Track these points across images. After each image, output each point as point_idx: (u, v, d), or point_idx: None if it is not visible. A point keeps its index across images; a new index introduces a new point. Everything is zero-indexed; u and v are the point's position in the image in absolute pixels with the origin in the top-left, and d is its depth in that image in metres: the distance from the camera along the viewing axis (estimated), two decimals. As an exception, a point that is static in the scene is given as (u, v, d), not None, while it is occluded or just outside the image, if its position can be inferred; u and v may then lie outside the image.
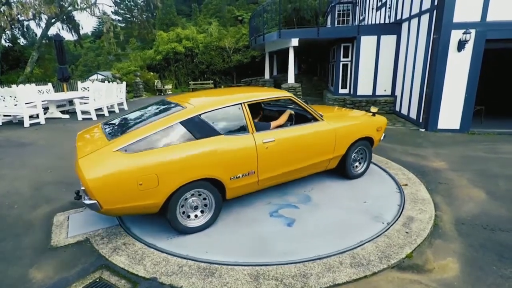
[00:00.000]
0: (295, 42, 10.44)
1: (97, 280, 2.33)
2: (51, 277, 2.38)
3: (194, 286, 2.24)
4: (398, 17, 9.49)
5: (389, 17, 10.29)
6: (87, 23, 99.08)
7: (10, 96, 7.95)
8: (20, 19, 17.60)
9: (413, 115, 8.26)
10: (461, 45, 6.67)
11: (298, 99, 3.57)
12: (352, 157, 4.03)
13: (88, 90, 10.21)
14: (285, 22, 18.59)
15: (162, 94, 17.88)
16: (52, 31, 22.13)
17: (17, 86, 9.74)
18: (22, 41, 23.35)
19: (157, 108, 3.35)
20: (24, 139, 6.70)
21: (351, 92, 10.55)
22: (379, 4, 11.69)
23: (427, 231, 2.93)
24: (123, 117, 3.44)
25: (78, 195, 3.18)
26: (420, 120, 7.66)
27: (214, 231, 2.96)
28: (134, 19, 24.29)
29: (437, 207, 3.47)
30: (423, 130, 7.39)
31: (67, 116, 9.43)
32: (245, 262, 2.49)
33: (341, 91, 11.08)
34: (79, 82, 12.34)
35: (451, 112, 7.13)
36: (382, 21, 11.11)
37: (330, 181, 4.09)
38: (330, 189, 3.88)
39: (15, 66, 20.27)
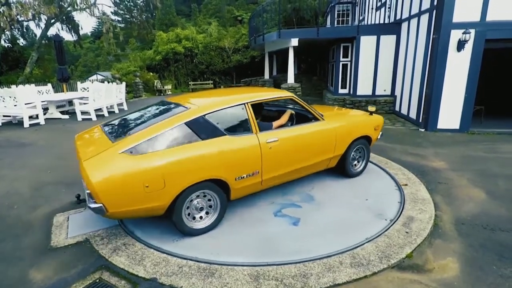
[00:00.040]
0: (294, 42, 10.45)
1: (97, 280, 2.33)
2: (51, 278, 2.38)
3: (194, 286, 2.23)
4: (398, 17, 9.49)
5: (389, 17, 10.30)
6: (86, 23, 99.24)
7: (10, 97, 7.95)
8: (20, 19, 17.54)
9: (412, 115, 8.26)
10: (460, 45, 6.68)
11: (300, 99, 3.58)
12: (352, 155, 4.07)
13: (88, 91, 10.18)
14: (284, 22, 18.57)
15: (162, 94, 17.89)
16: (52, 31, 22.06)
17: (16, 86, 9.71)
18: (21, 41, 23.40)
19: (158, 109, 3.33)
20: (24, 139, 6.70)
21: (351, 92, 10.56)
22: (379, 4, 11.69)
23: (427, 231, 2.93)
24: (124, 118, 3.42)
25: (79, 198, 3.14)
26: (420, 120, 7.66)
27: (219, 232, 2.95)
28: (134, 19, 24.30)
29: (437, 207, 3.47)
30: (422, 130, 7.39)
31: (66, 116, 9.43)
32: (249, 262, 2.48)
33: (340, 91, 11.09)
34: (78, 83, 12.35)
35: (450, 112, 7.13)
36: (381, 21, 11.11)
37: (330, 180, 4.11)
38: (331, 188, 3.90)
39: (14, 66, 20.27)
